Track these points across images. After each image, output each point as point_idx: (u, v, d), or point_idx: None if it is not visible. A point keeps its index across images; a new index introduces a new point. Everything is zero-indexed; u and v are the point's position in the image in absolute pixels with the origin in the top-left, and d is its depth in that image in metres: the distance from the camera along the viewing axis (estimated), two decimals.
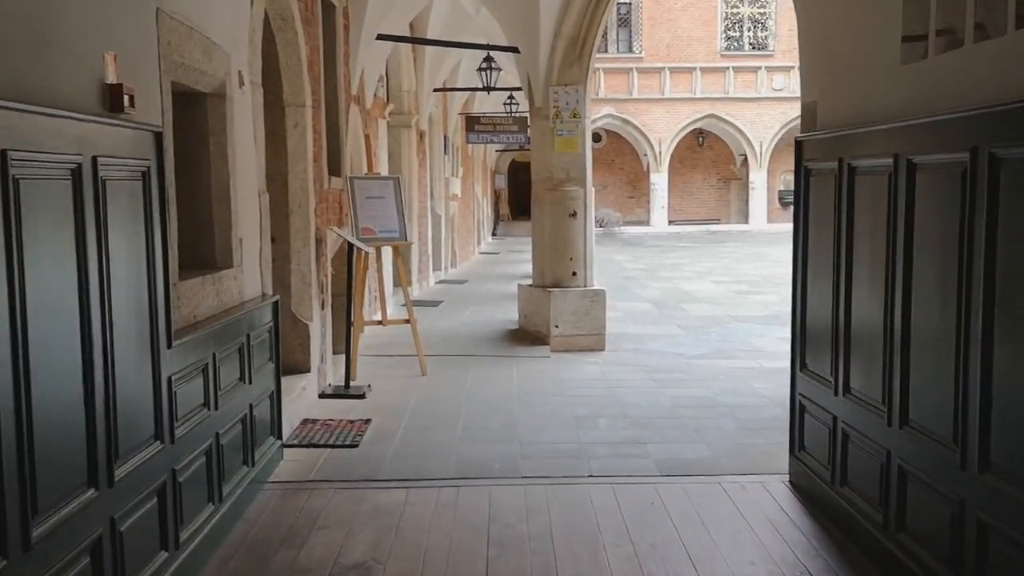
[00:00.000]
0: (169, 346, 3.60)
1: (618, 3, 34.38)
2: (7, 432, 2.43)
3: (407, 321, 7.99)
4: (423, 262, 14.42)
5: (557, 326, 9.01)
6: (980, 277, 2.97)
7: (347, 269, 7.48)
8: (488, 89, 14.61)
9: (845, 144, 4.12)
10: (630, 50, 36.92)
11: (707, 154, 39.50)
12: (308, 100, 6.71)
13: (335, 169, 7.91)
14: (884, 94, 3.84)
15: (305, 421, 6.21)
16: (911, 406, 3.53)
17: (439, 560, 3.93)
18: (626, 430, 6.02)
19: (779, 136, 37.02)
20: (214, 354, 4.13)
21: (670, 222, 37.28)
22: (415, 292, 13.24)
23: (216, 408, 4.15)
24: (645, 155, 37.67)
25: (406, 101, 12.66)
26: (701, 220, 38.68)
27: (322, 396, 6.94)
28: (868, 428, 3.89)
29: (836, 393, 4.25)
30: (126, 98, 3.22)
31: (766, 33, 37.12)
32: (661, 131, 36.40)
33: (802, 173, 4.70)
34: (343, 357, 7.36)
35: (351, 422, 6.19)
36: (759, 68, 36.52)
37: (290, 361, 6.59)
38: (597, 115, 33.38)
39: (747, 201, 38.05)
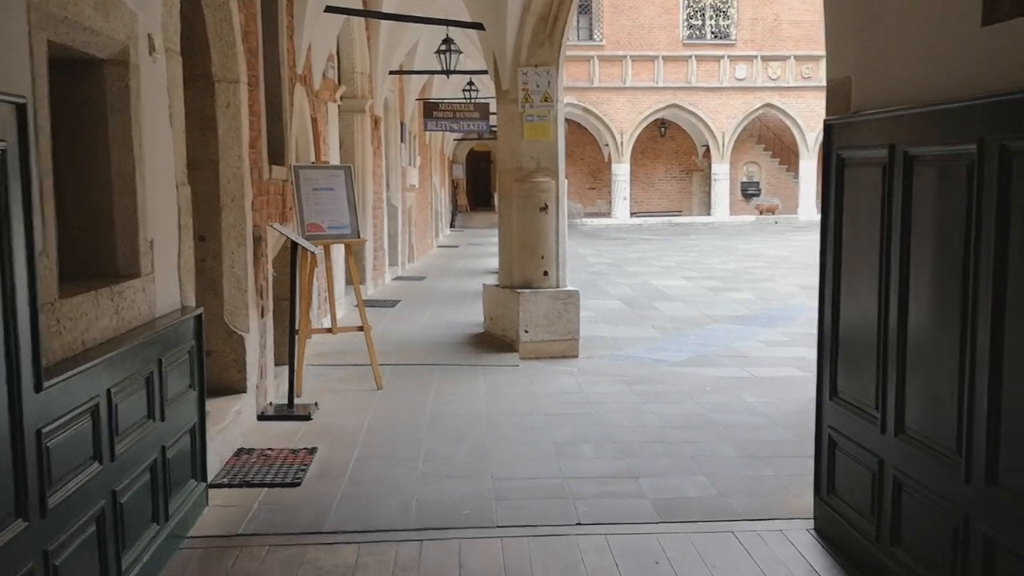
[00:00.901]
0: (38, 388, 2.70)
1: None
2: None
3: (360, 328, 7.10)
4: (378, 258, 13.49)
5: (527, 331, 8.18)
6: None
7: (291, 271, 6.57)
8: (447, 73, 13.73)
9: (901, 127, 3.34)
10: (591, 38, 36.18)
11: (669, 144, 38.96)
12: (243, 76, 5.79)
13: (277, 157, 6.98)
14: (956, 65, 3.06)
15: (239, 451, 5.32)
16: (1002, 457, 2.76)
17: None
18: (613, 459, 5.22)
19: (742, 126, 36.65)
20: (109, 390, 3.23)
21: (632, 214, 36.70)
22: (369, 291, 12.31)
23: (112, 459, 3.25)
24: (606, 145, 37.01)
25: (359, 84, 11.70)
26: (663, 212, 38.17)
27: (261, 418, 6.04)
28: (933, 480, 3.12)
29: (884, 430, 3.47)
30: None
31: (728, 22, 36.61)
32: (623, 121, 35.75)
33: (834, 163, 3.91)
34: (288, 368, 6.46)
35: (293, 452, 5.31)
36: (722, 57, 36.04)
37: (223, 380, 5.68)
38: None
39: (709, 192, 37.59)
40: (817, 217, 33.42)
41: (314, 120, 8.74)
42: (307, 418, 6.06)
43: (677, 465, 5.11)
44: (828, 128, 3.97)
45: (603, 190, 37.95)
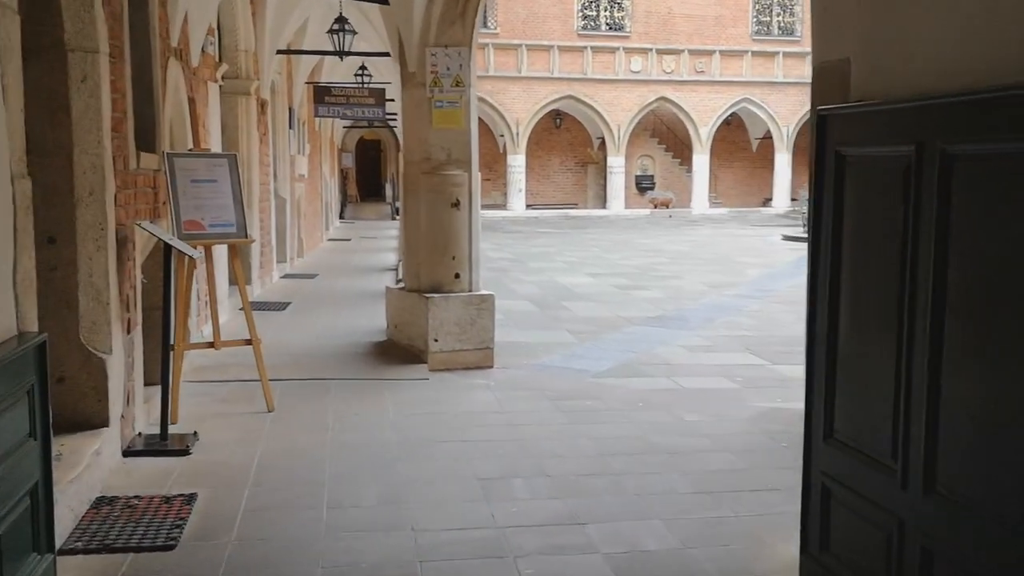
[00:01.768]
0: None
1: None
2: None
3: (248, 342, 6.17)
4: (266, 255, 12.41)
5: (437, 339, 7.38)
6: None
7: (164, 277, 5.58)
8: (341, 54, 12.78)
9: (933, 119, 2.72)
10: (485, 25, 35.34)
11: (564, 136, 38.65)
12: (103, 45, 4.79)
13: (147, 143, 5.97)
14: (1020, 41, 2.45)
15: (99, 502, 4.35)
16: None
17: None
18: (552, 500, 4.50)
19: (636, 119, 36.64)
20: None
21: (528, 206, 36.24)
22: (256, 291, 11.22)
23: None
24: (501, 136, 36.42)
25: (243, 63, 10.59)
26: (559, 204, 37.84)
27: (128, 453, 5.06)
28: (980, 555, 2.52)
29: (905, 486, 2.86)
30: None
31: (623, 14, 36.53)
32: (519, 111, 35.22)
33: (830, 162, 3.27)
34: (160, 388, 5.49)
35: (167, 501, 4.37)
36: (617, 49, 35.89)
37: (79, 412, 4.69)
38: None
39: (604, 186, 37.47)
40: (710, 211, 33.49)
41: (192, 101, 7.69)
42: (185, 452, 5.12)
43: (625, 506, 4.43)
44: (822, 119, 3.33)
45: (498, 182, 37.31)
